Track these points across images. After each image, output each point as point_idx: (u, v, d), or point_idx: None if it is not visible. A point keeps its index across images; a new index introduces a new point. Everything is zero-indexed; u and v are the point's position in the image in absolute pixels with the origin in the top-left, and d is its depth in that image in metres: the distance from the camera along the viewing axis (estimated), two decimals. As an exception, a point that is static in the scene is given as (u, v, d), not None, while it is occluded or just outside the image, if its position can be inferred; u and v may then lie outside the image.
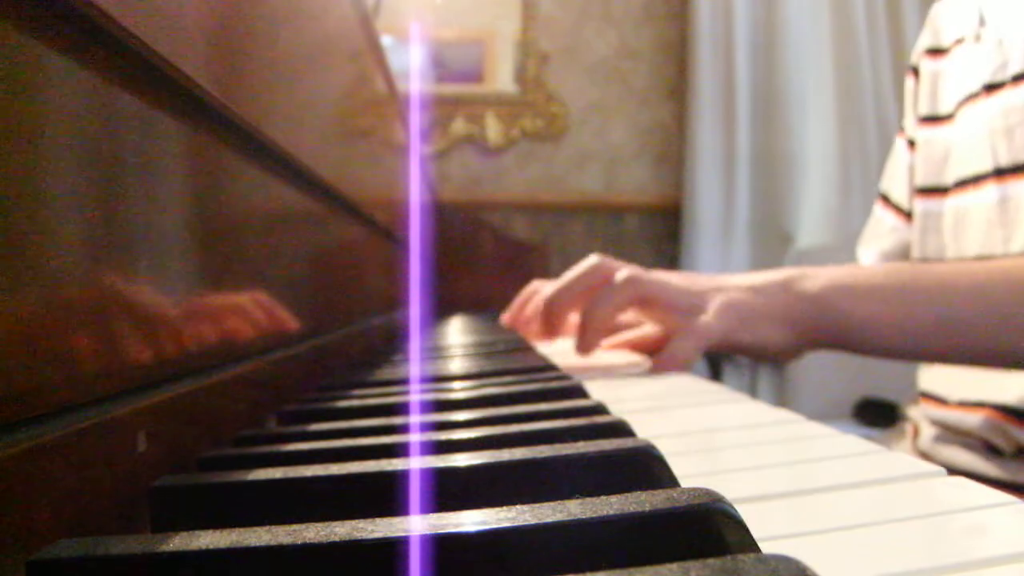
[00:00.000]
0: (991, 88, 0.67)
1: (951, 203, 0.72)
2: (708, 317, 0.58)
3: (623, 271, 0.60)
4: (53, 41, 0.19)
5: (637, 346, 0.65)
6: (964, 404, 0.68)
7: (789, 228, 2.03)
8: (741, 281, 0.61)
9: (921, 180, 0.77)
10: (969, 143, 0.69)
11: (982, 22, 0.70)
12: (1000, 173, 0.65)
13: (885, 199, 0.85)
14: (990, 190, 0.66)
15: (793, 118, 2.03)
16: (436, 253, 1.56)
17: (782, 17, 2.03)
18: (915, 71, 0.82)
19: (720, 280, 0.62)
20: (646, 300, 0.60)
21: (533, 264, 1.79)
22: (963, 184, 0.70)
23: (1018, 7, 0.66)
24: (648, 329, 0.65)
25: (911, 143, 0.81)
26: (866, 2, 2.09)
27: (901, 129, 0.84)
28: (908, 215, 0.80)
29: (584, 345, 0.59)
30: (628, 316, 0.65)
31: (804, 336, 0.59)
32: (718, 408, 0.39)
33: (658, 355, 0.58)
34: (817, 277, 0.59)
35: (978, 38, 0.71)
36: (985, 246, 0.67)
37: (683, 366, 0.57)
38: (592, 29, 2.11)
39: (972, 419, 0.66)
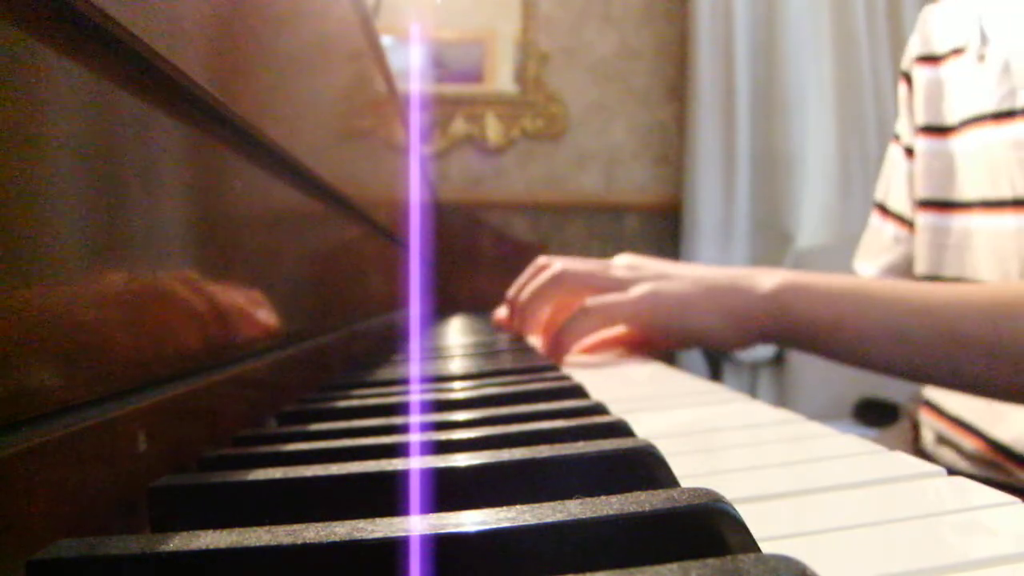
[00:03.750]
0: (1000, 116, 0.65)
1: (960, 220, 0.70)
2: (623, 296, 0.59)
3: (555, 265, 0.64)
4: (53, 41, 0.19)
5: (610, 344, 0.66)
6: (959, 424, 0.68)
7: (789, 228, 2.03)
8: (689, 272, 0.62)
9: (925, 192, 0.74)
10: (984, 167, 0.67)
11: (984, 40, 0.68)
12: (1018, 203, 0.63)
13: (883, 209, 0.82)
14: (1008, 218, 0.64)
15: (793, 118, 2.03)
16: (436, 253, 1.56)
17: (782, 17, 2.03)
18: (907, 78, 0.79)
19: (668, 270, 0.63)
20: (575, 291, 0.62)
21: (533, 264, 1.79)
22: (980, 206, 0.68)
23: (1021, 26, 0.64)
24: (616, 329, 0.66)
25: (909, 151, 0.78)
26: (866, 2, 2.09)
27: (895, 136, 0.81)
28: (911, 224, 0.78)
29: (520, 332, 0.66)
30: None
31: (749, 331, 0.59)
32: (718, 408, 0.39)
33: (556, 331, 0.59)
34: (773, 276, 0.59)
35: (982, 57, 0.68)
36: (998, 272, 0.65)
37: (576, 340, 0.59)
38: (592, 29, 2.11)
39: (968, 446, 0.66)
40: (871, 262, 0.83)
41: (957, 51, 0.72)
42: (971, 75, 0.69)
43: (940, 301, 0.55)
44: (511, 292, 0.71)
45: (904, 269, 0.79)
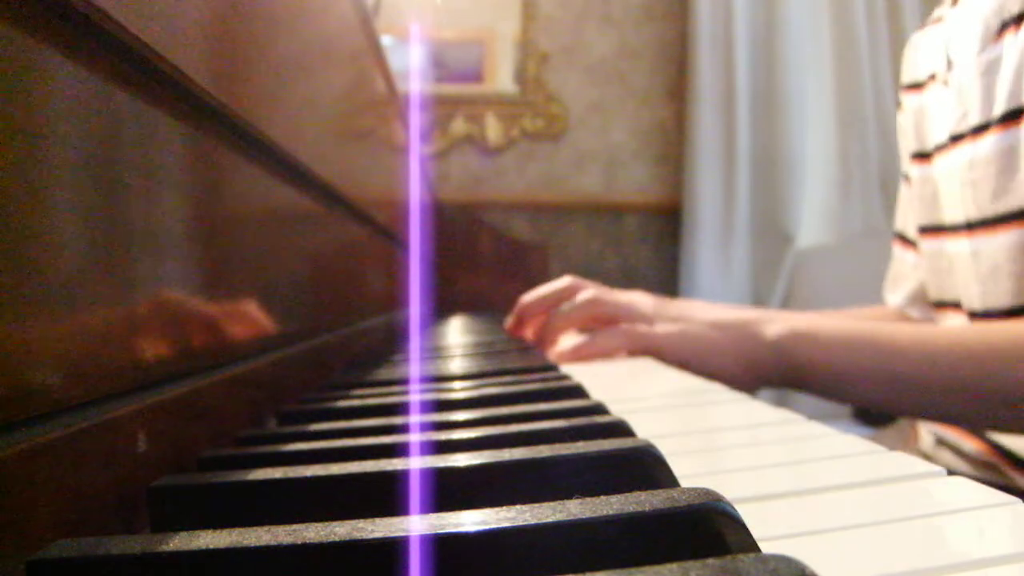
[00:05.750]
0: (955, 139, 0.66)
1: (948, 244, 0.70)
2: (652, 329, 0.63)
3: (588, 291, 0.67)
4: (53, 41, 0.19)
5: None
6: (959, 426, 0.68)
7: (789, 228, 2.03)
8: (705, 316, 0.66)
9: (920, 218, 0.75)
10: (948, 191, 0.68)
11: (949, 65, 0.68)
12: (970, 227, 0.64)
13: (902, 239, 0.82)
14: (963, 242, 0.65)
15: (793, 118, 2.03)
16: (436, 253, 1.56)
17: (782, 17, 2.03)
18: (902, 105, 0.80)
19: (686, 311, 0.67)
20: (605, 318, 0.65)
21: (533, 264, 1.79)
22: (949, 230, 0.69)
23: (972, 52, 0.63)
24: None
25: (907, 178, 0.79)
26: (866, 2, 2.09)
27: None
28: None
29: (542, 346, 0.67)
30: None
31: (759, 375, 0.62)
32: (718, 408, 0.39)
33: (582, 340, 0.62)
34: (778, 322, 0.62)
35: (946, 82, 0.68)
36: (964, 299, 0.65)
37: (595, 353, 0.61)
38: (592, 29, 2.11)
39: (968, 447, 0.66)
40: (897, 291, 0.83)
41: (932, 77, 0.72)
42: (939, 101, 0.70)
43: (935, 347, 0.57)
44: (527, 299, 0.71)
45: (926, 296, 0.79)
